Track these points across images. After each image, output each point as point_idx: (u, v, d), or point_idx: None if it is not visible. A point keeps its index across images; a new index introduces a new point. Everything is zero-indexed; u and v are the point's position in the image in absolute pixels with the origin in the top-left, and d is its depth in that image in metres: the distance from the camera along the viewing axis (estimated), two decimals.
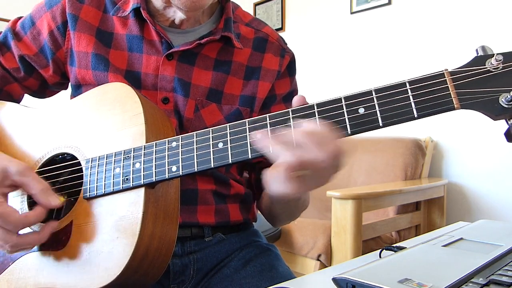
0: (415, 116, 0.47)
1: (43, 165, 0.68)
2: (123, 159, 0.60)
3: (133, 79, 0.75)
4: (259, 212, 0.88)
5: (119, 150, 0.61)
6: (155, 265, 0.60)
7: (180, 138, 0.58)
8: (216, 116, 0.78)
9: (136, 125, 0.61)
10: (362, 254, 1.12)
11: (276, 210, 0.80)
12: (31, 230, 0.62)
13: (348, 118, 0.50)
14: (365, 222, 1.81)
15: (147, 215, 0.57)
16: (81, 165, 0.64)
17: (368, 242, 1.89)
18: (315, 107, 0.52)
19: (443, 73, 0.47)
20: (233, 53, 0.80)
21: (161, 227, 0.59)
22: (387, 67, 2.61)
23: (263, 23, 0.88)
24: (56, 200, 0.60)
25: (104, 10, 0.78)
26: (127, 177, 0.59)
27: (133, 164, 0.59)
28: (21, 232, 0.59)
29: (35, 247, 0.63)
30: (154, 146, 0.59)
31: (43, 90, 0.85)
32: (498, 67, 0.45)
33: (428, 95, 0.47)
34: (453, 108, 0.47)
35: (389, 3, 2.62)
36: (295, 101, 0.54)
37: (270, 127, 0.53)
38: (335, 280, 0.47)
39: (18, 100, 0.85)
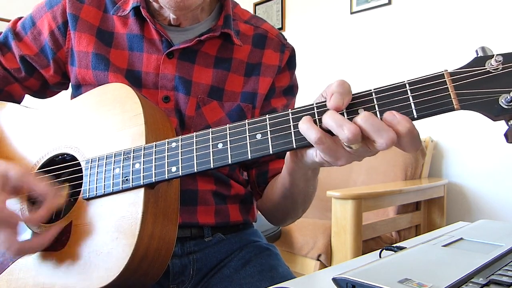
0: (415, 116, 0.47)
1: (43, 165, 0.68)
2: (123, 160, 0.60)
3: (134, 78, 0.76)
4: (259, 212, 0.88)
5: (118, 150, 0.61)
6: (154, 265, 0.60)
7: (180, 138, 0.58)
8: (217, 113, 0.78)
9: (135, 126, 0.61)
10: (362, 254, 1.12)
11: (290, 197, 0.74)
12: (30, 236, 0.62)
13: (347, 118, 0.50)
14: (365, 222, 1.81)
15: (146, 215, 0.57)
16: (80, 166, 0.64)
17: (368, 242, 1.90)
18: (315, 108, 0.52)
19: (443, 73, 0.47)
20: (233, 50, 0.80)
21: (160, 227, 0.59)
22: (387, 67, 2.61)
23: (262, 20, 0.88)
24: (61, 197, 0.60)
25: (105, 9, 0.79)
26: (126, 178, 0.59)
27: (132, 164, 0.59)
28: (23, 237, 0.59)
29: None
30: (154, 147, 0.59)
31: (44, 90, 0.85)
32: (498, 68, 0.45)
33: (428, 96, 0.47)
34: (453, 109, 0.46)
35: (389, 3, 2.62)
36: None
37: (270, 127, 0.53)
38: (335, 280, 0.47)
39: (18, 101, 0.85)
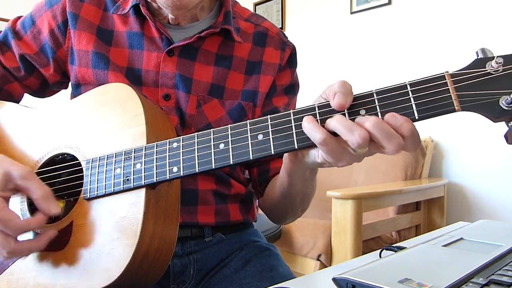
0: (416, 117, 0.48)
1: (43, 165, 0.68)
2: (124, 160, 0.60)
3: (134, 77, 0.75)
4: (259, 212, 0.88)
5: (119, 150, 0.61)
6: (155, 265, 0.60)
7: (181, 138, 0.58)
8: (218, 111, 0.78)
9: (136, 126, 0.61)
10: (362, 254, 1.12)
11: (288, 196, 0.75)
12: (31, 237, 0.62)
13: (349, 119, 0.50)
14: (365, 222, 1.81)
15: (147, 215, 0.57)
16: (81, 166, 0.64)
17: (368, 242, 1.90)
18: (317, 108, 0.52)
19: (444, 75, 0.47)
20: (233, 48, 0.80)
21: (161, 227, 0.59)
22: (387, 67, 2.61)
23: (262, 18, 0.88)
24: (56, 208, 0.58)
25: (105, 8, 0.79)
26: (127, 178, 0.59)
27: (134, 164, 0.59)
28: (20, 237, 0.58)
29: None
30: (155, 147, 0.59)
31: (44, 89, 0.85)
32: (498, 70, 0.45)
33: (429, 97, 0.47)
34: (453, 110, 0.47)
35: (389, 3, 2.62)
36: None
37: (272, 128, 0.53)
38: (335, 280, 0.47)
39: (18, 100, 0.85)
